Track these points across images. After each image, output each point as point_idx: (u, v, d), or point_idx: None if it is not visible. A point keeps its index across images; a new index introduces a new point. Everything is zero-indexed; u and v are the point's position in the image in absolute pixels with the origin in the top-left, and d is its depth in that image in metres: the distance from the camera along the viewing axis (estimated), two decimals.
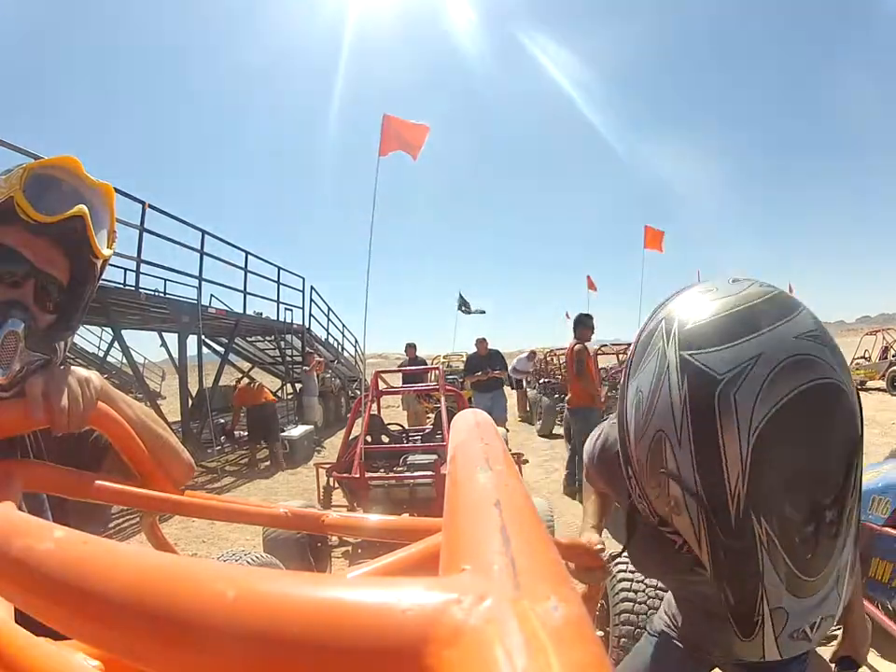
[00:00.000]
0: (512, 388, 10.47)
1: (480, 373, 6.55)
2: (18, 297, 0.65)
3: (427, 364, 8.55)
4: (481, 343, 6.86)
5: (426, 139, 5.45)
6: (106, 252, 0.71)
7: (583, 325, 5.15)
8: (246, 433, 8.18)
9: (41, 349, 0.66)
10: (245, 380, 10.97)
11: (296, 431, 7.37)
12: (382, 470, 4.22)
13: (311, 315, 11.18)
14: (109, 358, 11.17)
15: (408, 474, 3.82)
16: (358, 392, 8.42)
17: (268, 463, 7.10)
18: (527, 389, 10.74)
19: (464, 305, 11.08)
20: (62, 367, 0.66)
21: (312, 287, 11.20)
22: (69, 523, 0.73)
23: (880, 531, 2.44)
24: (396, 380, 7.53)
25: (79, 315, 0.72)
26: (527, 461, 6.37)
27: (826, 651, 1.23)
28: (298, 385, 9.81)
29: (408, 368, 7.65)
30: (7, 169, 0.66)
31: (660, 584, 2.02)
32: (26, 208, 0.62)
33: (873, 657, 2.93)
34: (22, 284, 0.66)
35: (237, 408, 7.72)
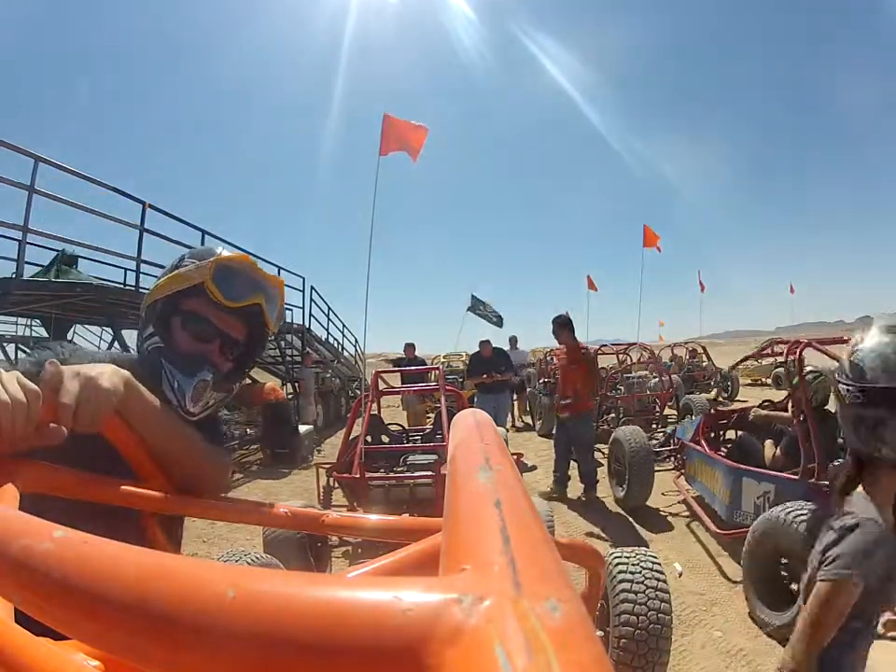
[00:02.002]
0: (515, 393, 9.02)
1: (485, 376, 6.40)
2: (206, 351, 0.87)
3: (425, 364, 8.52)
4: (485, 345, 6.71)
5: (424, 140, 5.51)
6: (275, 328, 0.94)
7: (555, 333, 5.16)
8: (247, 433, 8.17)
9: (223, 388, 0.90)
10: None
11: None
12: (382, 470, 4.21)
13: (311, 314, 11.18)
14: None
15: (408, 474, 3.82)
16: (358, 392, 8.42)
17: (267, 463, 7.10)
18: (527, 389, 10.56)
19: (480, 306, 10.65)
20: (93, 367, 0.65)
21: (312, 287, 11.20)
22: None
23: (688, 444, 4.34)
24: (395, 380, 7.52)
25: (252, 365, 1.00)
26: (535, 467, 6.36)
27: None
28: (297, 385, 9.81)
29: (406, 368, 7.61)
30: (196, 253, 0.88)
31: (660, 586, 2.02)
32: (217, 295, 0.82)
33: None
34: (211, 341, 0.87)
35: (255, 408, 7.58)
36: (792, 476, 3.05)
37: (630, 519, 4.34)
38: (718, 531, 3.52)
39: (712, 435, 4.37)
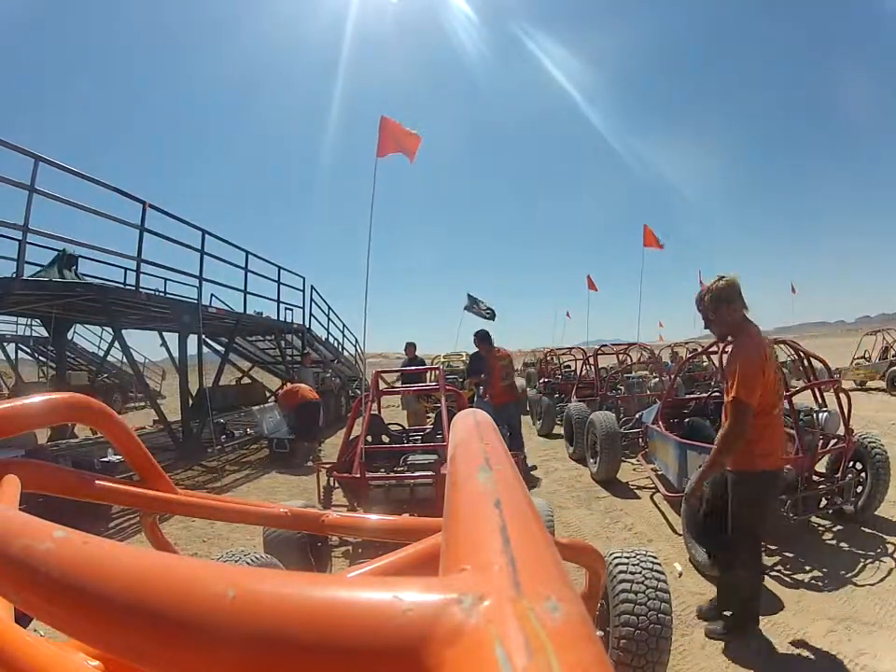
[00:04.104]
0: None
1: (483, 376, 6.44)
2: None
3: (426, 364, 8.53)
4: None
5: (418, 147, 5.69)
6: None
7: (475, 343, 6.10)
8: (246, 432, 8.18)
9: None
10: (246, 379, 10.86)
11: None
12: (382, 470, 4.22)
13: (311, 314, 11.19)
14: (109, 358, 11.15)
15: (408, 474, 3.83)
16: (358, 392, 8.41)
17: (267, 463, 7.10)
18: (527, 389, 10.52)
19: (475, 304, 10.69)
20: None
21: (312, 287, 11.21)
22: None
23: (650, 427, 5.00)
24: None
25: None
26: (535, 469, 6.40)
27: None
28: None
29: (408, 368, 7.61)
30: None
31: (660, 586, 2.01)
32: None
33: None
34: None
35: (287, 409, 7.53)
36: None
37: (629, 519, 4.34)
38: (668, 494, 4.31)
39: (674, 421, 5.04)
